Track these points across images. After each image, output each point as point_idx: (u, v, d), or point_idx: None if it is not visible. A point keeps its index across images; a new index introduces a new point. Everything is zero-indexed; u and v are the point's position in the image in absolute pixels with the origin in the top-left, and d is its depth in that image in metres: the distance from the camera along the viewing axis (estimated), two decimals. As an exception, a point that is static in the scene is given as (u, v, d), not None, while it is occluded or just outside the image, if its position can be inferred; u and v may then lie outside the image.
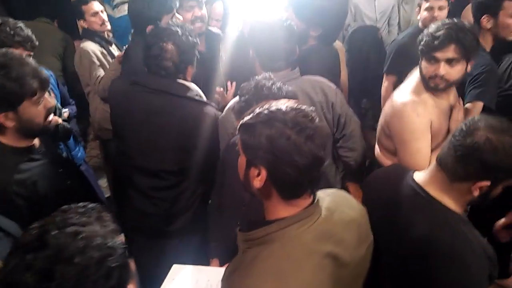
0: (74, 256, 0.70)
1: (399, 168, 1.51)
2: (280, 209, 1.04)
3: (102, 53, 2.95)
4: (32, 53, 2.05)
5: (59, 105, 2.27)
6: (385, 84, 2.92)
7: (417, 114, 1.76)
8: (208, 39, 2.66)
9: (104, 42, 3.01)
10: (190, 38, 1.84)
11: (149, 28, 2.15)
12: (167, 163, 1.88)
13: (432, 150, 1.79)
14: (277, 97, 1.42)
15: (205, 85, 2.26)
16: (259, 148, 1.00)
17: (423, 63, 1.79)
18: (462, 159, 1.19)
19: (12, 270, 0.70)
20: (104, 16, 3.03)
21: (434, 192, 1.28)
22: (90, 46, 2.92)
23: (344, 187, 2.03)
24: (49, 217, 0.78)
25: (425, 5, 2.71)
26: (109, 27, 3.07)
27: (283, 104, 1.04)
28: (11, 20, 2.05)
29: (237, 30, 2.68)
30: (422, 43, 1.76)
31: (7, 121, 1.46)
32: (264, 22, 1.87)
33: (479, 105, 2.03)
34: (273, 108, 1.03)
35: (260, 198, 1.08)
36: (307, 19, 2.14)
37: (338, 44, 2.55)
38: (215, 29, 2.81)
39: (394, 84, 2.75)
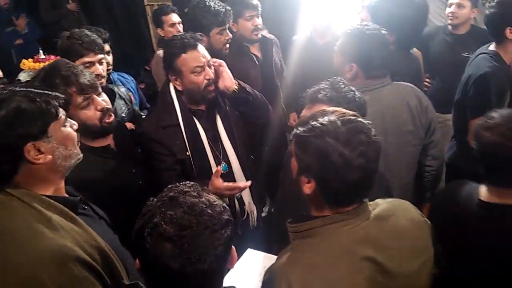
0: (204, 210, 0.87)
1: None
2: (326, 209, 1.08)
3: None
4: (102, 55, 2.05)
5: (138, 109, 2.47)
6: None
7: None
8: (262, 44, 2.79)
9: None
10: None
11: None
12: None
13: None
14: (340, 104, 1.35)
15: (264, 88, 2.41)
16: (310, 161, 1.03)
17: None
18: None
19: (157, 223, 0.86)
20: (180, 28, 3.20)
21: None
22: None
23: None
24: (166, 190, 0.94)
25: None
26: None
27: (338, 116, 1.04)
28: (76, 30, 2.09)
29: (305, 36, 2.78)
30: None
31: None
32: (364, 32, 1.83)
33: None
34: (327, 121, 1.02)
35: (308, 200, 1.11)
36: (383, 23, 2.03)
37: (416, 51, 2.52)
38: (268, 35, 2.91)
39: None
